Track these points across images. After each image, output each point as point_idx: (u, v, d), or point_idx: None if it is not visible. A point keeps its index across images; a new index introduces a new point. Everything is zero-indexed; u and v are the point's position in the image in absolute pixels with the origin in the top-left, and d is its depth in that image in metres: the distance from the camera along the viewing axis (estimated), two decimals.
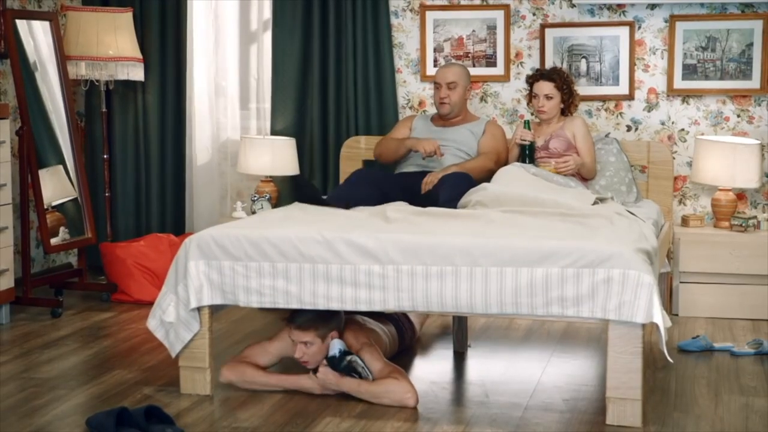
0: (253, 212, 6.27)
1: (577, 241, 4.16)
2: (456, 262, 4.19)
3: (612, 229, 4.44)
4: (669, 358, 4.11)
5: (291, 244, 4.35)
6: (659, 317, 3.98)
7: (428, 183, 5.48)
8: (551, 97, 5.71)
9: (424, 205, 5.03)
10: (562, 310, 4.12)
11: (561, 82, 5.70)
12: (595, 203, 5.16)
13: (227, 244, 4.41)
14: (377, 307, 4.30)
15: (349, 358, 4.45)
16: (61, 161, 6.45)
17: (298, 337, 4.51)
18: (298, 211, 4.97)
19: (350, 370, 4.44)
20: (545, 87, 5.70)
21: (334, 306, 4.35)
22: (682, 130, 6.30)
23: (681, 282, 5.94)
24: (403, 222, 4.61)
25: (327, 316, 4.51)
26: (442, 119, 5.98)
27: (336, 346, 4.50)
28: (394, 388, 4.35)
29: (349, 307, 4.33)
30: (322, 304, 4.35)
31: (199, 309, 4.47)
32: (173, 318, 4.46)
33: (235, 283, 4.41)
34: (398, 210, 4.84)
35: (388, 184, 5.52)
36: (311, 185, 5.28)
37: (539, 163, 5.66)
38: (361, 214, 4.89)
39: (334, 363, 4.46)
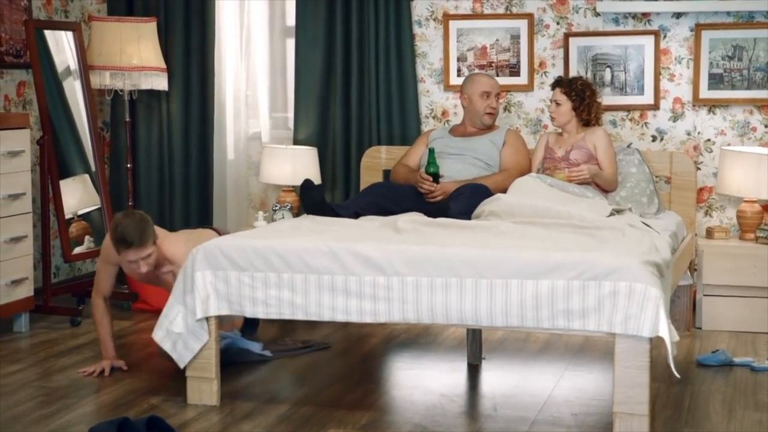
0: (274, 222, 6.26)
1: (584, 253, 4.10)
2: (461, 274, 4.14)
3: (622, 241, 4.38)
4: (676, 374, 4.03)
5: (297, 254, 4.33)
6: (665, 331, 3.91)
7: (433, 194, 5.47)
8: (560, 104, 5.69)
9: (436, 216, 4.99)
10: (568, 323, 4.07)
11: (569, 89, 5.66)
12: (611, 214, 5.09)
13: (234, 254, 4.40)
14: (382, 319, 4.27)
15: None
16: (88, 170, 6.49)
17: (139, 253, 4.83)
18: (309, 221, 4.95)
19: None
20: (555, 93, 5.72)
21: (340, 318, 4.32)
22: (708, 140, 6.21)
23: (704, 295, 5.84)
24: (412, 233, 4.58)
25: (144, 221, 4.89)
26: (463, 129, 5.95)
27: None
28: None
29: (354, 319, 4.31)
30: (327, 316, 4.33)
31: (206, 319, 4.47)
32: (182, 328, 4.46)
33: (241, 294, 4.40)
34: (409, 221, 4.80)
35: (403, 194, 5.48)
36: (318, 190, 5.26)
37: (555, 171, 5.60)
38: (372, 224, 4.87)
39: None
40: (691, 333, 5.77)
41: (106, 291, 5.17)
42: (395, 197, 5.42)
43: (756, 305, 5.77)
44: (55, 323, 5.96)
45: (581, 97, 5.71)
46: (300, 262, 4.32)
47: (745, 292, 5.78)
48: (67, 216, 6.28)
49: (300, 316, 4.36)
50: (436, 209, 5.18)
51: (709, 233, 6.04)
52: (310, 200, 5.18)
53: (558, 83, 5.75)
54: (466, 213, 5.11)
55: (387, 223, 4.82)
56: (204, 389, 4.51)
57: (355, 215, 5.15)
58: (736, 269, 5.77)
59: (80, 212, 6.45)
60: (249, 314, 4.42)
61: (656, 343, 4.06)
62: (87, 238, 6.44)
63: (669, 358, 3.97)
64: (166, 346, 4.51)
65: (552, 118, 5.77)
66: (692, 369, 5.07)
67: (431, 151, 5.66)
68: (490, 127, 5.92)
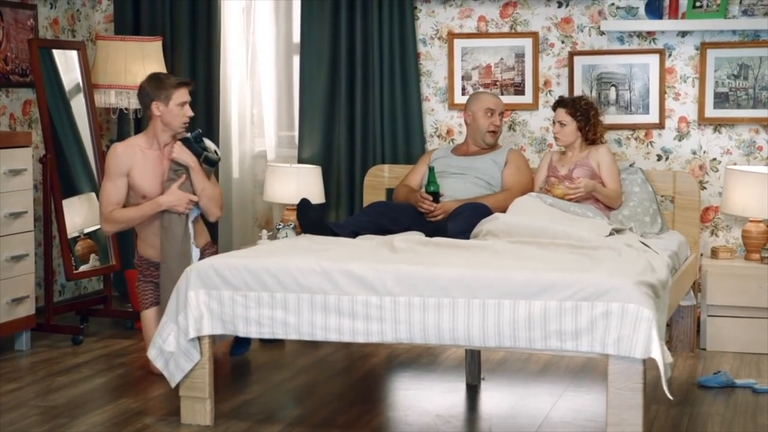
0: (276, 240, 6.24)
1: (577, 274, 4.06)
2: (453, 294, 4.11)
3: (617, 261, 4.34)
4: (669, 395, 3.97)
5: (290, 274, 4.31)
6: (657, 352, 3.86)
7: (433, 213, 5.46)
8: (564, 124, 5.64)
9: (435, 236, 4.96)
10: (561, 344, 4.03)
11: (574, 110, 5.62)
12: (610, 234, 5.05)
13: (227, 273, 4.38)
14: (375, 339, 4.24)
15: (205, 140, 5.26)
16: (94, 189, 6.50)
17: (184, 95, 5.22)
18: (306, 241, 4.93)
19: (201, 149, 5.20)
20: (559, 113, 5.65)
21: (333, 338, 4.30)
22: (714, 159, 6.16)
23: (709, 315, 5.78)
24: (408, 252, 4.55)
25: None
26: (465, 149, 5.93)
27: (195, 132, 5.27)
28: (216, 193, 5.39)
29: (347, 339, 4.28)
30: (320, 335, 4.30)
31: (199, 338, 4.45)
32: (173, 347, 4.44)
33: (234, 313, 4.38)
34: (406, 240, 4.77)
35: (402, 213, 5.46)
36: (315, 209, 5.25)
37: (553, 186, 5.55)
38: (369, 243, 4.84)
39: (190, 140, 5.20)
40: (695, 354, 5.71)
41: (120, 202, 5.29)
42: (394, 216, 5.39)
43: (761, 326, 5.70)
44: (57, 342, 5.95)
45: (587, 116, 5.66)
46: (293, 282, 4.30)
47: (749, 312, 5.72)
48: (73, 234, 6.29)
49: (293, 336, 4.34)
50: (435, 228, 5.15)
51: (714, 253, 5.99)
52: (307, 220, 5.17)
53: (561, 103, 5.70)
54: (465, 232, 5.08)
55: (384, 243, 4.80)
56: (198, 409, 4.49)
57: (353, 234, 5.13)
58: (741, 289, 5.71)
59: (86, 230, 6.45)
60: (242, 334, 4.40)
61: (655, 364, 4.01)
62: (92, 256, 6.44)
63: (662, 380, 3.92)
64: (159, 365, 4.50)
65: (556, 139, 5.72)
66: (693, 390, 5.02)
67: (431, 170, 5.64)
68: (492, 147, 5.89)
